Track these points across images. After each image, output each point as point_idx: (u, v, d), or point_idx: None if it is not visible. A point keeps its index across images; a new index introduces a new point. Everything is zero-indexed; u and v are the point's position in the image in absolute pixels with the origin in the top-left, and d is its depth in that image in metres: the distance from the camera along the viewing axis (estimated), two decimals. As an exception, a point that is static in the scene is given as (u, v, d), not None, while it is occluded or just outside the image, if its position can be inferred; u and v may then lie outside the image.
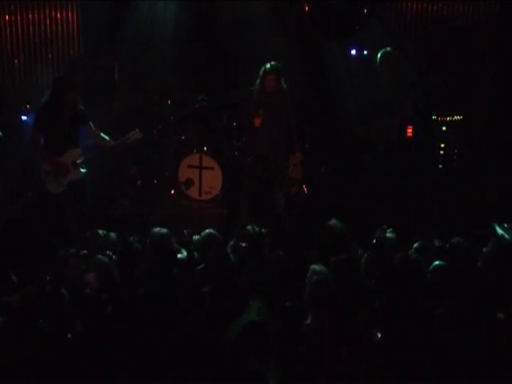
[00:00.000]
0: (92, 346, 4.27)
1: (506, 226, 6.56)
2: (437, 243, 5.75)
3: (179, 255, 5.47)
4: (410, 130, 7.92)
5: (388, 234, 5.90)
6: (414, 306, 4.27)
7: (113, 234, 6.00)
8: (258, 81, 7.32)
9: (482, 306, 4.23)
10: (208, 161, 8.29)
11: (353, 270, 4.65)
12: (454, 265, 4.85)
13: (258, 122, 7.23)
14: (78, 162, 6.76)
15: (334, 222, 5.62)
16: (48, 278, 4.77)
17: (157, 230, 5.58)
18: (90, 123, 6.86)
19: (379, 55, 7.70)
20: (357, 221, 6.75)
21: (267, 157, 7.48)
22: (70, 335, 4.34)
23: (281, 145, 7.43)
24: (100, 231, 5.97)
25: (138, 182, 8.48)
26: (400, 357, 4.06)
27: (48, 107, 6.64)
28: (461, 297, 4.28)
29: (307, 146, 8.56)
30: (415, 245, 5.42)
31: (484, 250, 5.36)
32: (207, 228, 5.88)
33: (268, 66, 7.22)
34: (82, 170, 6.83)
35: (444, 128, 8.66)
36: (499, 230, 6.53)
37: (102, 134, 6.95)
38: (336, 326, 4.08)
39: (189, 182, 8.32)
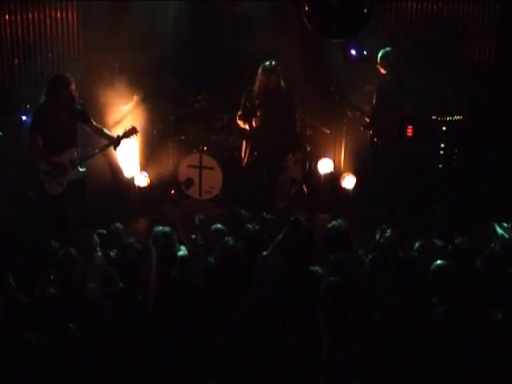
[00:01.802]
0: (92, 351, 4.23)
1: (505, 225, 6.57)
2: (437, 243, 5.75)
3: (180, 252, 5.44)
4: (409, 130, 7.91)
5: (388, 234, 5.90)
6: (414, 305, 4.27)
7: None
8: (259, 80, 7.26)
9: (482, 306, 4.22)
10: (208, 160, 8.31)
11: (351, 270, 4.65)
12: (456, 265, 4.85)
13: (256, 121, 7.20)
14: (77, 161, 6.70)
15: (337, 221, 5.59)
16: (51, 279, 4.77)
17: (159, 228, 5.52)
18: (92, 120, 6.84)
19: (379, 55, 7.70)
20: (357, 221, 6.75)
21: (267, 157, 7.46)
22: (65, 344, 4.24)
23: (280, 144, 7.42)
24: (100, 231, 5.96)
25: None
26: (399, 356, 4.06)
27: (44, 107, 6.61)
28: (461, 297, 4.27)
29: (307, 145, 8.58)
30: (416, 245, 5.41)
31: (484, 250, 5.36)
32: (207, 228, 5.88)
33: (268, 65, 7.15)
34: (81, 170, 6.77)
35: (444, 128, 8.68)
36: (499, 230, 6.52)
37: (105, 130, 6.94)
38: (335, 325, 4.08)
39: (189, 182, 8.32)
